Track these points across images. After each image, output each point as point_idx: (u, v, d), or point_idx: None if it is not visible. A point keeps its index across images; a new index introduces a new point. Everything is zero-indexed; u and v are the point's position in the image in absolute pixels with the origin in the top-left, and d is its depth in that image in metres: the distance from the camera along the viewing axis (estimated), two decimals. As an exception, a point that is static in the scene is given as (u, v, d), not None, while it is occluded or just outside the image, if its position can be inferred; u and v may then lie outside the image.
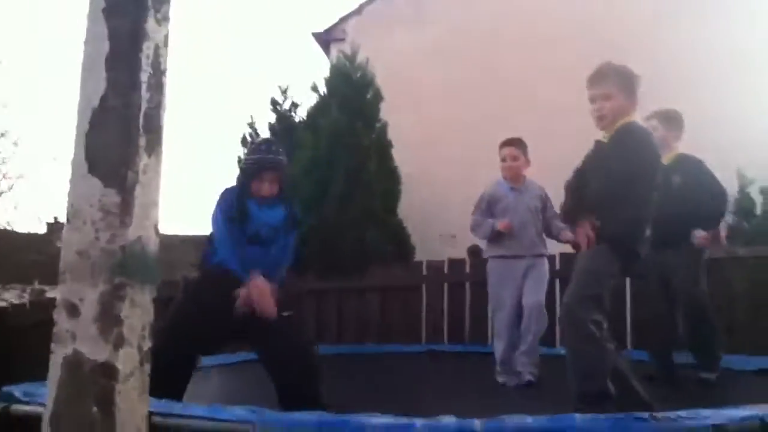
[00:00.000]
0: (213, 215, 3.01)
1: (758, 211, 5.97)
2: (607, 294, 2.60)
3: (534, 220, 3.89)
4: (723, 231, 3.84)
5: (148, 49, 1.36)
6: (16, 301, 6.27)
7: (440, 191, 6.87)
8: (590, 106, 2.80)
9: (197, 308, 2.84)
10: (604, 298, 2.57)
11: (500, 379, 3.74)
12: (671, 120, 3.68)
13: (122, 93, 1.34)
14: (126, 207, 1.29)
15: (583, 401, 2.38)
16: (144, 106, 1.36)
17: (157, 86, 1.39)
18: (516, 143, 3.98)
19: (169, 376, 2.50)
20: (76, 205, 1.31)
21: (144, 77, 1.37)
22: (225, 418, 1.96)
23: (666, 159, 3.39)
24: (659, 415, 1.85)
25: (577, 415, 1.84)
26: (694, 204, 3.44)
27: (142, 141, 1.34)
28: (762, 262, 4.61)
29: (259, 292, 2.76)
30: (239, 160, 6.56)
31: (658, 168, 2.75)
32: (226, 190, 3.05)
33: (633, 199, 2.65)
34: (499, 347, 3.81)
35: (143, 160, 1.34)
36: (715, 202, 3.59)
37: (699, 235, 3.52)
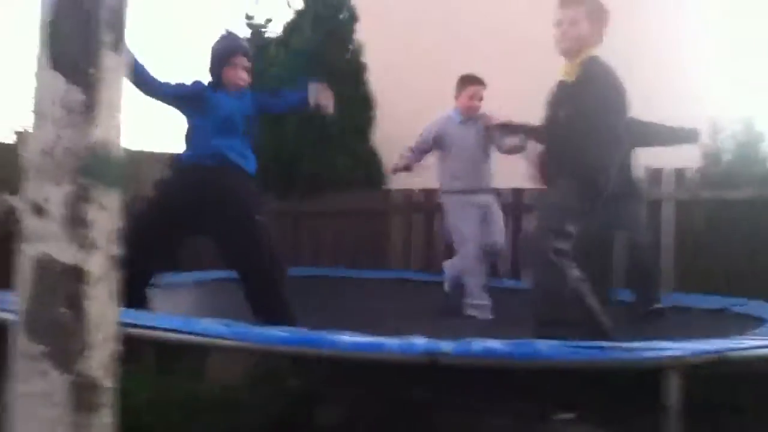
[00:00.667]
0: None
1: (726, 157, 6.08)
2: (575, 230, 2.61)
3: (484, 154, 3.95)
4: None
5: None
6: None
7: (417, 119, 6.78)
8: (554, 30, 2.74)
9: (162, 202, 2.90)
10: (570, 232, 2.59)
11: (472, 312, 3.79)
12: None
13: (85, -19, 1.25)
14: (90, 106, 1.22)
15: (542, 326, 2.44)
16: (108, 0, 1.27)
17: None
18: (481, 82, 4.02)
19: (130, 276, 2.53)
20: (40, 102, 1.24)
21: (108, -33, 1.27)
22: (198, 330, 1.96)
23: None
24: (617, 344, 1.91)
25: (541, 341, 1.89)
26: None
27: (106, 38, 1.26)
28: (721, 208, 4.73)
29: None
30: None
31: (626, 106, 2.72)
32: (195, 82, 3.04)
33: (603, 137, 2.63)
34: (470, 282, 3.83)
35: (107, 58, 1.26)
36: None
37: None
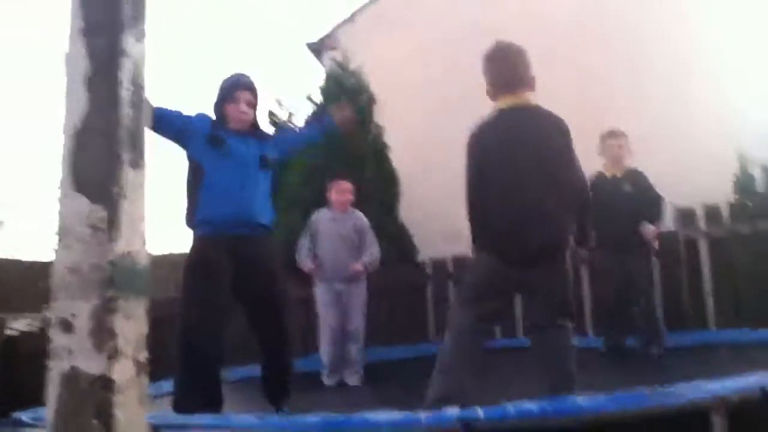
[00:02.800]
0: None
1: (760, 188, 5.96)
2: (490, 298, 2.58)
3: (348, 247, 4.35)
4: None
5: (127, 65, 1.39)
6: (25, 330, 6.32)
7: (440, 189, 6.87)
8: None
9: (198, 279, 2.75)
10: (480, 301, 2.57)
11: (327, 381, 4.28)
12: (626, 138, 4.38)
13: (104, 111, 1.37)
14: (113, 222, 1.31)
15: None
16: (126, 122, 1.38)
17: (138, 102, 1.42)
18: (345, 180, 4.50)
19: (203, 357, 2.58)
20: (65, 223, 1.33)
21: (125, 94, 1.39)
22: (230, 424, 1.98)
23: (619, 171, 4.31)
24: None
25: (579, 397, 1.85)
26: (641, 210, 4.18)
27: (126, 157, 1.36)
28: (764, 238, 4.61)
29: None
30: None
31: (489, 165, 2.61)
32: (199, 114, 2.91)
33: (476, 203, 2.66)
34: (324, 358, 4.35)
35: (128, 176, 1.36)
36: (656, 206, 4.29)
37: (649, 228, 4.18)
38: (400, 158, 6.32)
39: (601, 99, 6.21)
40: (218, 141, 2.83)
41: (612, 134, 4.34)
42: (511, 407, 1.82)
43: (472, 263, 2.72)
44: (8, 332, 6.13)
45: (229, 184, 2.78)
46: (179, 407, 2.49)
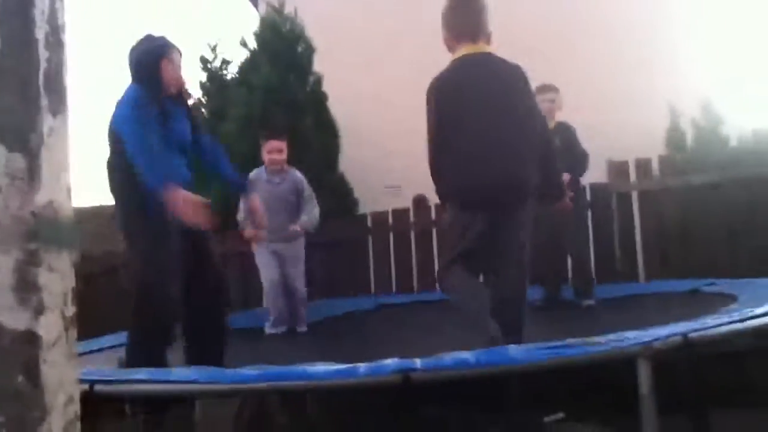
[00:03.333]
0: (118, 117, 2.45)
1: (690, 143, 6.20)
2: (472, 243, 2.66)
3: (285, 209, 4.37)
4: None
5: (39, 4, 1.29)
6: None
7: (381, 142, 6.84)
8: None
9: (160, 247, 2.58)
10: (466, 253, 2.66)
11: (271, 330, 4.33)
12: (558, 93, 4.52)
13: (16, 53, 1.27)
14: (33, 171, 1.24)
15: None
16: (43, 65, 1.29)
17: (56, 44, 1.32)
18: (280, 136, 4.44)
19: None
20: (-22, 170, 1.25)
21: (40, 34, 1.29)
22: (168, 379, 1.95)
23: (550, 125, 4.14)
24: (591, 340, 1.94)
25: (513, 347, 1.91)
26: (567, 162, 4.15)
27: (44, 101, 1.28)
28: (693, 193, 4.81)
29: (182, 201, 2.36)
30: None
31: (454, 113, 2.64)
32: (132, 87, 2.53)
33: (440, 154, 2.69)
34: (270, 310, 4.39)
35: (47, 122, 1.28)
36: (581, 161, 4.48)
37: (565, 176, 4.15)
38: (339, 109, 6.22)
39: (533, 51, 6.25)
40: (165, 113, 2.56)
41: (543, 89, 4.38)
42: (447, 358, 1.86)
43: (449, 221, 2.76)
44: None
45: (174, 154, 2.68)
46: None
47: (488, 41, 2.72)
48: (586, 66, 6.20)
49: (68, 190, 1.34)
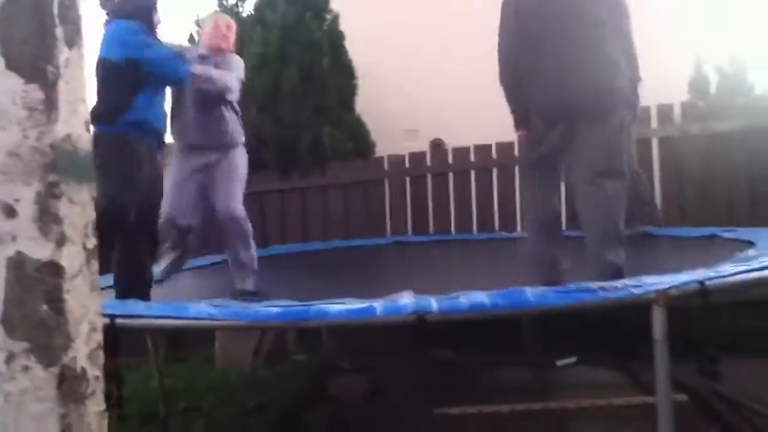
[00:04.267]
0: (131, 41, 2.86)
1: (712, 89, 6.03)
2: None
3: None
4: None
5: (55, -70, 1.25)
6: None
7: (399, 85, 6.73)
8: None
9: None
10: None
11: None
12: None
13: (31, -20, 1.24)
14: (51, 103, 1.23)
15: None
16: (56, -5, 1.27)
17: (69, -26, 1.29)
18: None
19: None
20: (1, 104, 1.25)
21: (54, -37, 1.26)
22: (189, 315, 1.99)
23: None
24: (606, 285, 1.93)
25: (528, 289, 1.91)
26: None
27: (59, 33, 1.26)
28: (714, 140, 4.71)
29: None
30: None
31: (529, 23, 2.66)
32: (125, 21, 2.90)
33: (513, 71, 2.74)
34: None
35: (63, 54, 1.26)
36: None
37: None
38: (357, 50, 6.10)
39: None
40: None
41: None
42: (464, 299, 1.87)
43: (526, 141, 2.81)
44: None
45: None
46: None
47: None
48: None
49: (86, 123, 1.34)
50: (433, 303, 1.84)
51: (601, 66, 2.56)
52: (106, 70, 2.85)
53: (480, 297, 1.86)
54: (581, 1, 2.62)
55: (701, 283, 1.87)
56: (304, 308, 1.89)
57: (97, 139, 2.71)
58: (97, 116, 2.74)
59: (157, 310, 2.05)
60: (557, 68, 2.58)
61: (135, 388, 3.11)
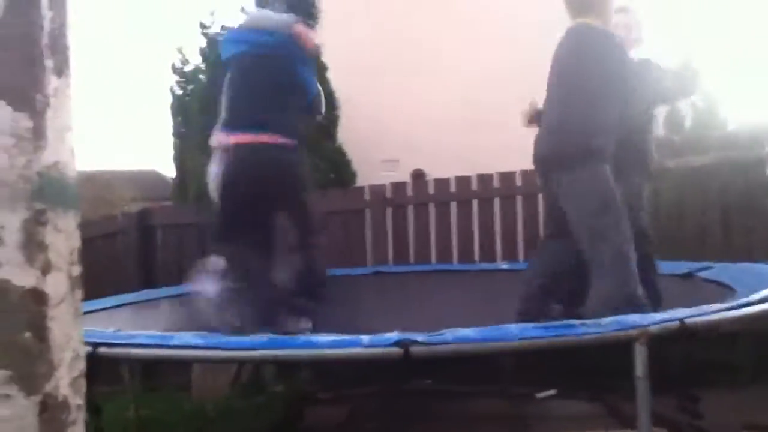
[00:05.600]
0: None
1: (687, 124, 6.19)
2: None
3: None
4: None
5: (46, -35, 1.27)
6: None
7: (379, 115, 6.80)
8: None
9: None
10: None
11: None
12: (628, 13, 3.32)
13: (22, 11, 1.26)
14: (39, 131, 1.24)
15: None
16: (47, 26, 1.29)
17: (60, 3, 1.32)
18: None
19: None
20: (-13, 130, 1.25)
21: (44, -7, 1.28)
22: (170, 343, 1.97)
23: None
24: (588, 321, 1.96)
25: (513, 326, 1.93)
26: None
27: (49, 63, 1.28)
28: (689, 174, 4.82)
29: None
30: (172, 90, 6.30)
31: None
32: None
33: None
34: None
35: (52, 83, 1.28)
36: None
37: None
38: (340, 80, 6.17)
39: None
40: None
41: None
42: (449, 333, 1.88)
43: None
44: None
45: None
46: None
47: (598, 15, 2.81)
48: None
49: (72, 151, 1.34)
50: (419, 336, 1.84)
51: (572, 124, 2.72)
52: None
53: (465, 331, 1.87)
54: (574, 66, 2.76)
55: (681, 320, 1.90)
56: (290, 338, 1.88)
57: None
58: None
59: (138, 338, 2.02)
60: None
61: (112, 419, 3.05)
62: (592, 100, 2.67)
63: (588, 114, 2.67)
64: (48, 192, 1.22)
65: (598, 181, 2.63)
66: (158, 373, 3.77)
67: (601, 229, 2.58)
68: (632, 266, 2.52)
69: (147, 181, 6.96)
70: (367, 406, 3.60)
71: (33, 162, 1.23)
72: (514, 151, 3.70)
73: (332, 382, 3.80)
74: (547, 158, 2.81)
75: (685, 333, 1.90)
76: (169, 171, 6.71)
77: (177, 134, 6.22)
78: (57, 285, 1.18)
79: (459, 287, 4.07)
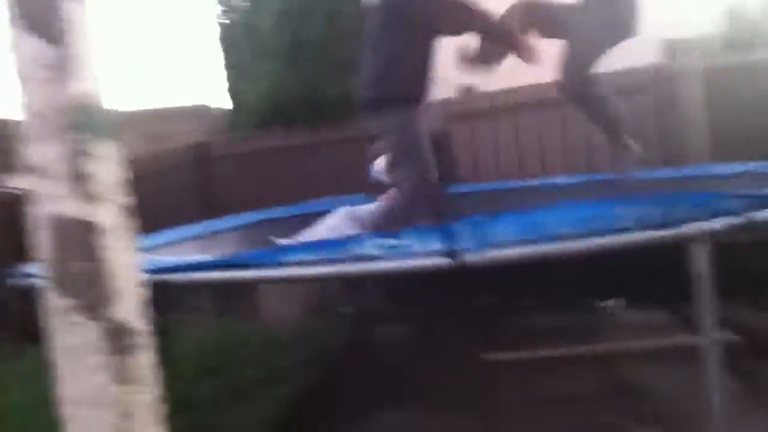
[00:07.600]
0: None
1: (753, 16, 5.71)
2: None
3: None
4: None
5: None
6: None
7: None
8: None
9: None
10: None
11: None
12: None
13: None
14: (65, 61, 1.22)
15: None
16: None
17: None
18: None
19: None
20: (21, 65, 1.25)
21: None
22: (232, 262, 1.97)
23: None
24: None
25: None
26: None
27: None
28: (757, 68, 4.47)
29: None
30: (219, 21, 6.23)
31: None
32: None
33: None
34: None
35: (72, 10, 1.25)
36: None
37: None
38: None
39: None
40: None
41: None
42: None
43: None
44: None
45: None
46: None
47: None
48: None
49: (97, 79, 1.33)
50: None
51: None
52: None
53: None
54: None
55: (747, 217, 1.79)
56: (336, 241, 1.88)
57: None
58: None
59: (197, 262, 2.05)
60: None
61: (187, 344, 3.18)
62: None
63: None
64: (83, 122, 1.22)
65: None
66: (230, 298, 3.89)
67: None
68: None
69: (199, 116, 7.00)
70: (431, 325, 3.64)
71: (65, 93, 1.22)
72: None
73: (400, 300, 3.86)
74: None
75: (749, 230, 1.79)
76: (223, 103, 6.71)
77: (228, 65, 6.20)
78: (105, 215, 1.19)
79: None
